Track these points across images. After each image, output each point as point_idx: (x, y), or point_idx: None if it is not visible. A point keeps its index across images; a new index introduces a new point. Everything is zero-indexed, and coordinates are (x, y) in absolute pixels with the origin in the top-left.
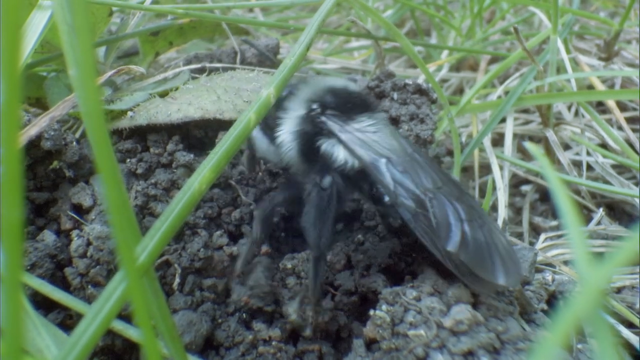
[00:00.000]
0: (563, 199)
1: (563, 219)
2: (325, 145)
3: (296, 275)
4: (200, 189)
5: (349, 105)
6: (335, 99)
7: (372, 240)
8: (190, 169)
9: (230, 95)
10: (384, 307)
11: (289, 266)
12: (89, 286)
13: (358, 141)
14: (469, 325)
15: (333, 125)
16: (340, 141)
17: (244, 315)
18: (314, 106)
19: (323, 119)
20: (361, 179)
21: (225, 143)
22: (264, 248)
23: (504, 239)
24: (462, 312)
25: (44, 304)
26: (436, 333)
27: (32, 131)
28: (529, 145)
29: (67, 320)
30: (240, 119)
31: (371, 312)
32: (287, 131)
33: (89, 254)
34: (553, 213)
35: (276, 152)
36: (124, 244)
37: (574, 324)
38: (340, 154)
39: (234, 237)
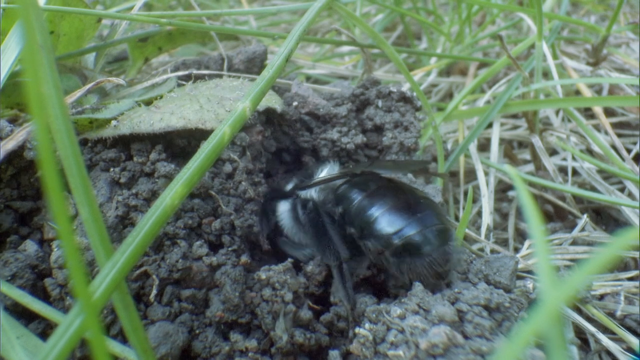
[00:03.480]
0: (532, 213)
1: (532, 232)
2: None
3: (271, 286)
4: (172, 204)
5: (309, 173)
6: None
7: (353, 252)
8: (170, 179)
9: (212, 105)
10: (367, 325)
11: (264, 277)
12: (68, 297)
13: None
14: (444, 348)
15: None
16: (311, 185)
17: (222, 326)
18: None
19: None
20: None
21: (199, 157)
22: (243, 259)
23: None
24: (438, 335)
25: (24, 314)
26: (414, 354)
27: (9, 145)
28: (507, 167)
29: (48, 330)
30: (215, 133)
31: (356, 329)
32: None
33: (68, 268)
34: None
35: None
36: (78, 279)
37: (534, 335)
38: (312, 192)
39: (215, 247)
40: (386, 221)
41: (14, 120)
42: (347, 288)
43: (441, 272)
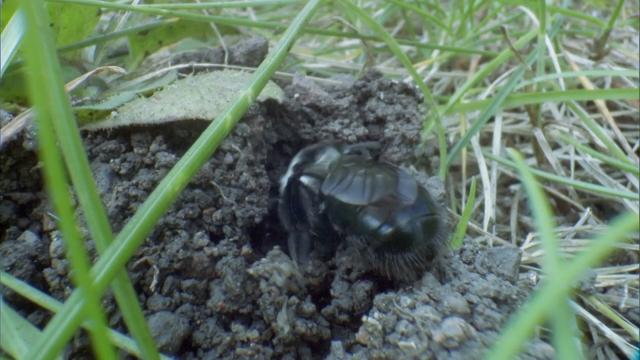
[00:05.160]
0: (538, 202)
1: (538, 222)
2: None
3: (263, 278)
4: (173, 190)
5: (313, 154)
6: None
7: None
8: (171, 169)
9: (213, 95)
10: (376, 314)
11: (252, 272)
12: (67, 287)
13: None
14: (459, 341)
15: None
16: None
17: (223, 316)
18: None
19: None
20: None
21: (200, 144)
22: (245, 249)
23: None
24: (453, 328)
25: (24, 305)
26: (427, 345)
27: (8, 132)
28: (510, 151)
29: (47, 321)
30: (216, 120)
31: (364, 318)
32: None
33: (68, 254)
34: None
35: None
36: (78, 263)
37: (537, 324)
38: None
39: (215, 237)
40: (370, 216)
41: (13, 114)
42: (299, 253)
43: (423, 266)
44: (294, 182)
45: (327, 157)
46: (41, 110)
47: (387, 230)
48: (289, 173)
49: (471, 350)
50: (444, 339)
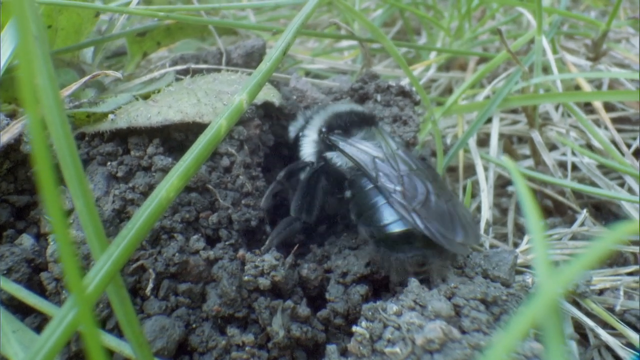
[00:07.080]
0: (529, 205)
1: (529, 225)
2: (329, 155)
3: (251, 277)
4: (168, 196)
5: (348, 124)
6: (338, 121)
7: (352, 247)
8: (167, 172)
9: (210, 99)
10: (363, 323)
11: (247, 278)
12: (64, 291)
13: (354, 148)
14: (440, 343)
15: (336, 140)
16: (340, 150)
17: (219, 320)
18: (323, 129)
19: (330, 137)
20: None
21: (194, 150)
22: (240, 252)
23: (468, 214)
24: (434, 330)
25: (20, 308)
26: (411, 350)
27: (4, 138)
28: (505, 159)
29: (44, 324)
30: (211, 125)
31: (353, 328)
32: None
33: (62, 257)
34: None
35: None
36: (71, 270)
37: (529, 327)
38: (338, 160)
39: (212, 241)
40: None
41: (12, 116)
42: (280, 235)
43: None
44: (324, 163)
45: (366, 136)
46: (33, 119)
47: (392, 229)
48: (312, 136)
49: (454, 351)
50: (426, 342)
